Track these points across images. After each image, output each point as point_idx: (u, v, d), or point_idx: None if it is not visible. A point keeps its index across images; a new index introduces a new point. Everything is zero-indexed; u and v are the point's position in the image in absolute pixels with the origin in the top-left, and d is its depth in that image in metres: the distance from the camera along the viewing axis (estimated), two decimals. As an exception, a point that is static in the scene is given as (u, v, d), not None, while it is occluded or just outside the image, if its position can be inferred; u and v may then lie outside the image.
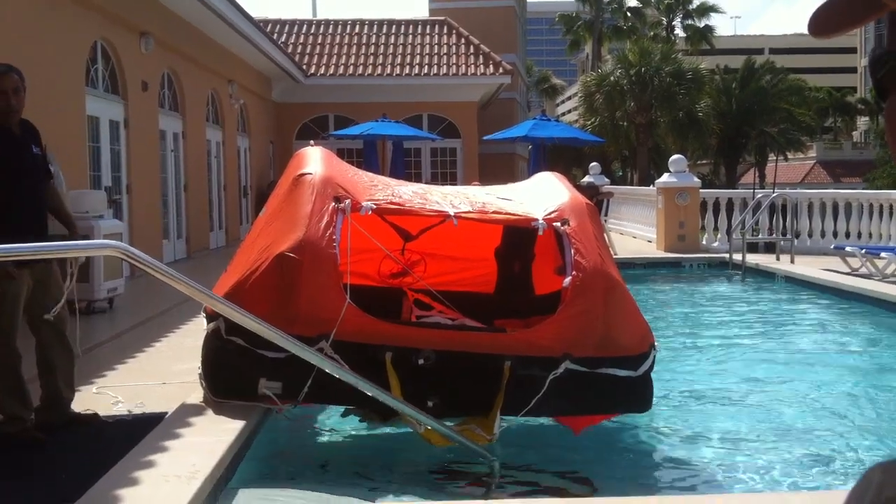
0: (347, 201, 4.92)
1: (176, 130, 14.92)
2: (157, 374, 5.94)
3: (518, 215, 5.26)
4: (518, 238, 6.15)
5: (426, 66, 25.65)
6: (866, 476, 0.51)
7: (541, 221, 5.11)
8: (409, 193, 5.38)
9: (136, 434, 4.34)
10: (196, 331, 5.88)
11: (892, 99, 0.48)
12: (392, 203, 5.15)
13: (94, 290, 8.33)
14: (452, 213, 5.06)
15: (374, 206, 5.02)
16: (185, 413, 4.67)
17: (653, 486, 4.66)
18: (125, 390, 5.46)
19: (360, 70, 25.32)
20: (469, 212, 5.17)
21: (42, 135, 4.90)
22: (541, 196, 5.58)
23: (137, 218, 12.50)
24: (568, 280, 4.86)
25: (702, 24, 47.61)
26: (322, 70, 25.16)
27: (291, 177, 5.23)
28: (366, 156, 20.50)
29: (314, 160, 5.32)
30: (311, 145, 5.94)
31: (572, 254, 4.94)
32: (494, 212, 5.27)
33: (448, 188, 5.99)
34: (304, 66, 24.46)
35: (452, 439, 4.43)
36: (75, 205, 8.46)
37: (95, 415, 4.84)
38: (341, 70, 25.25)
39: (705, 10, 47.30)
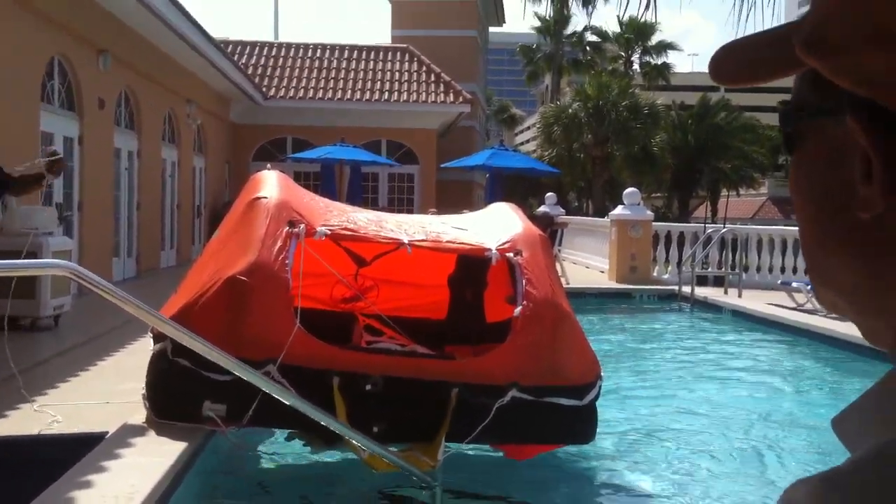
0: (302, 226, 4.94)
1: (131, 149, 14.78)
2: (101, 393, 5.86)
3: (472, 245, 5.32)
4: (471, 266, 6.21)
5: (386, 93, 25.73)
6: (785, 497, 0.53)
7: (494, 251, 5.17)
8: (365, 220, 5.42)
9: (75, 454, 4.27)
10: (142, 350, 5.82)
11: (799, 155, 0.52)
12: (347, 229, 5.18)
13: (40, 307, 8.19)
14: (407, 241, 5.10)
15: (329, 232, 5.04)
16: (127, 433, 4.62)
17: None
18: (66, 409, 5.37)
19: (320, 94, 25.32)
20: (423, 240, 5.21)
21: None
22: (495, 226, 5.66)
23: (88, 235, 12.32)
24: (518, 310, 4.92)
25: (660, 61, 48.54)
26: (282, 92, 25.10)
27: (246, 200, 5.23)
28: (323, 179, 20.48)
29: (270, 184, 5.33)
30: (268, 168, 5.95)
31: (524, 284, 5.01)
32: (448, 241, 5.32)
33: (403, 216, 6.03)
34: (264, 88, 24.40)
35: (395, 464, 4.44)
36: (25, 221, 8.34)
37: None
38: (301, 93, 25.21)
39: (664, 48, 48.22)
